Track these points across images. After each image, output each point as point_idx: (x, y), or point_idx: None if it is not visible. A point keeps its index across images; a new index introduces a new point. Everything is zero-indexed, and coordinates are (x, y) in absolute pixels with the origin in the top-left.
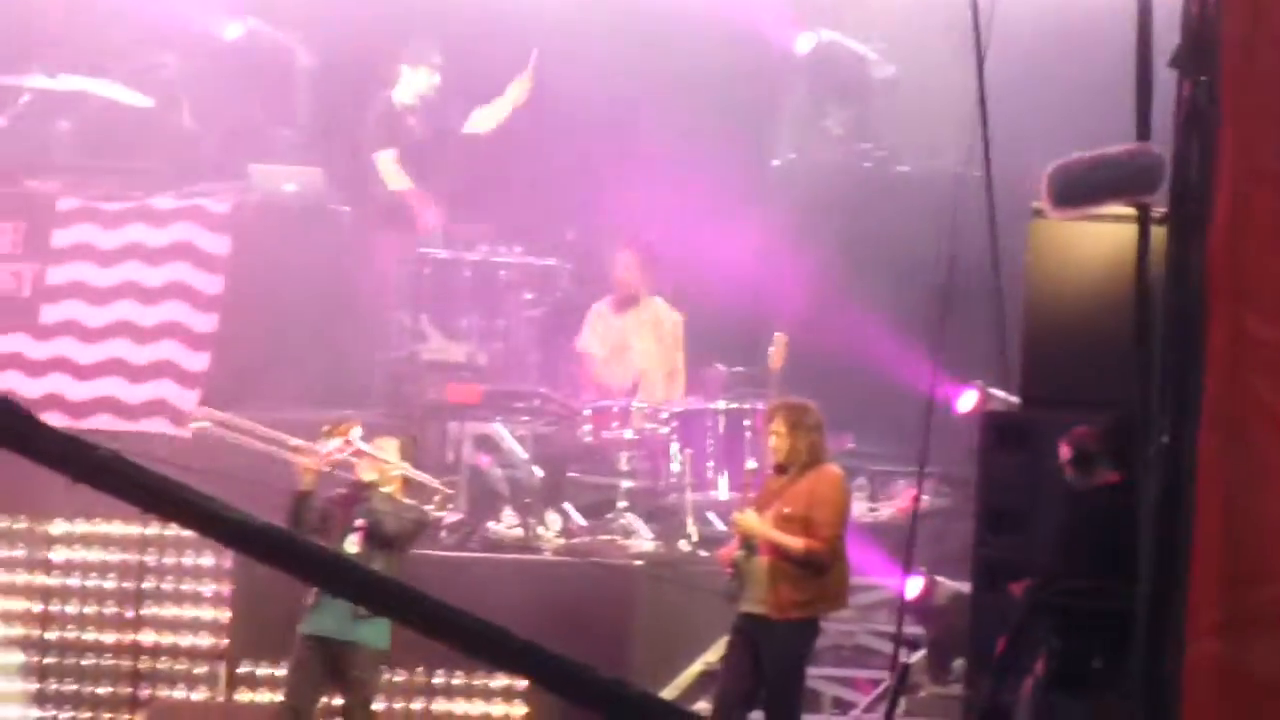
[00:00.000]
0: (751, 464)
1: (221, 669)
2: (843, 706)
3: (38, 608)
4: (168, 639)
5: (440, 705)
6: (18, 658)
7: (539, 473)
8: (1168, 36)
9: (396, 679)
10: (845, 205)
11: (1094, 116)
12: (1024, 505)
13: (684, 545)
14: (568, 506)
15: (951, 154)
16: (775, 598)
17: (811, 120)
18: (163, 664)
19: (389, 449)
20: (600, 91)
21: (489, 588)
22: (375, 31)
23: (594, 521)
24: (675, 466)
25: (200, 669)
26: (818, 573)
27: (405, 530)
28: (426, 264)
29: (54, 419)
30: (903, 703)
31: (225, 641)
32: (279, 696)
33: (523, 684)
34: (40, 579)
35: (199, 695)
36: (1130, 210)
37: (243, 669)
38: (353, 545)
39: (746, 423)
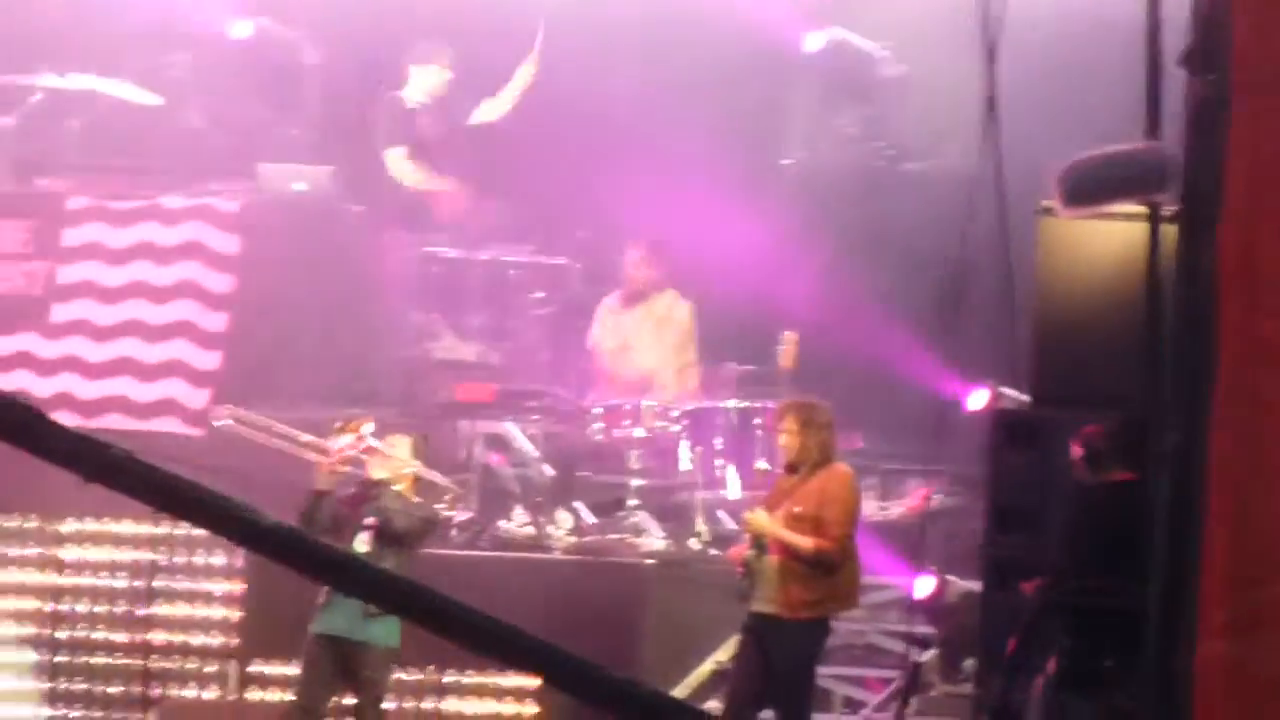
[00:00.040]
0: (762, 464)
1: (232, 668)
2: (854, 706)
3: (49, 606)
4: (179, 638)
5: (451, 704)
6: (29, 656)
7: (550, 471)
8: (1177, 34)
9: (408, 678)
10: (855, 204)
11: (1104, 114)
12: (1034, 504)
13: (694, 544)
14: (578, 505)
15: (961, 152)
16: (786, 597)
17: (822, 119)
18: (174, 663)
19: (400, 447)
20: (609, 90)
21: (500, 586)
22: (384, 29)
23: (604, 520)
24: (685, 465)
25: (211, 668)
26: (828, 572)
27: (416, 528)
28: (437, 263)
29: (64, 418)
30: (914, 702)
31: (236, 640)
32: (290, 696)
33: (534, 683)
34: (51, 578)
35: (210, 694)
36: (1140, 208)
37: (254, 668)
38: (363, 544)
39: (757, 421)
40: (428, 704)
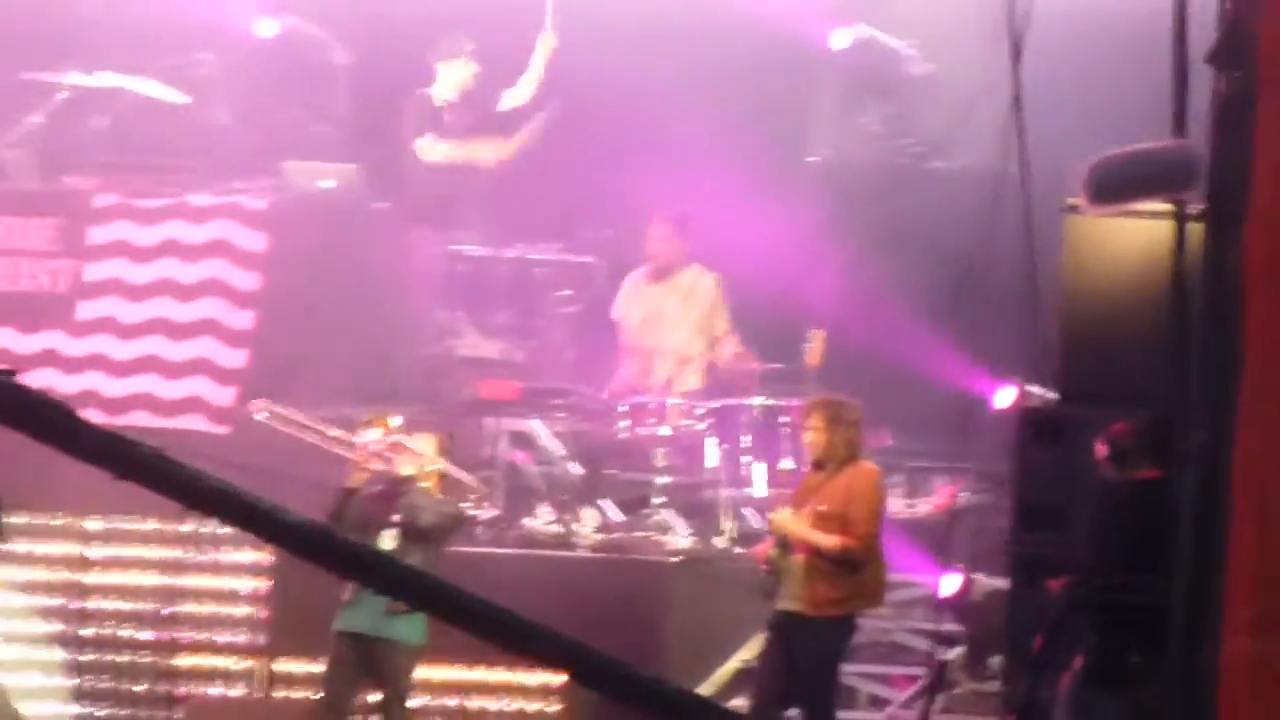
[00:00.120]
0: (787, 463)
1: (259, 666)
2: (879, 703)
3: (75, 604)
4: (205, 636)
5: (476, 702)
6: (56, 654)
7: (575, 469)
8: (1204, 32)
9: (433, 675)
10: (880, 201)
11: (1130, 112)
12: (1061, 501)
13: (720, 542)
14: (604, 503)
15: (987, 150)
16: (811, 595)
17: (848, 116)
18: (200, 661)
19: (426, 445)
20: (634, 88)
21: (525, 584)
22: (411, 26)
23: (630, 518)
24: (711, 463)
25: (238, 666)
26: (854, 570)
27: (442, 525)
28: (462, 261)
29: (90, 416)
30: (940, 699)
31: (263, 638)
32: (317, 694)
33: (559, 680)
34: (78, 576)
35: (236, 692)
36: (1167, 206)
37: (280, 666)
38: (389, 540)
39: (782, 419)
40: (453, 701)
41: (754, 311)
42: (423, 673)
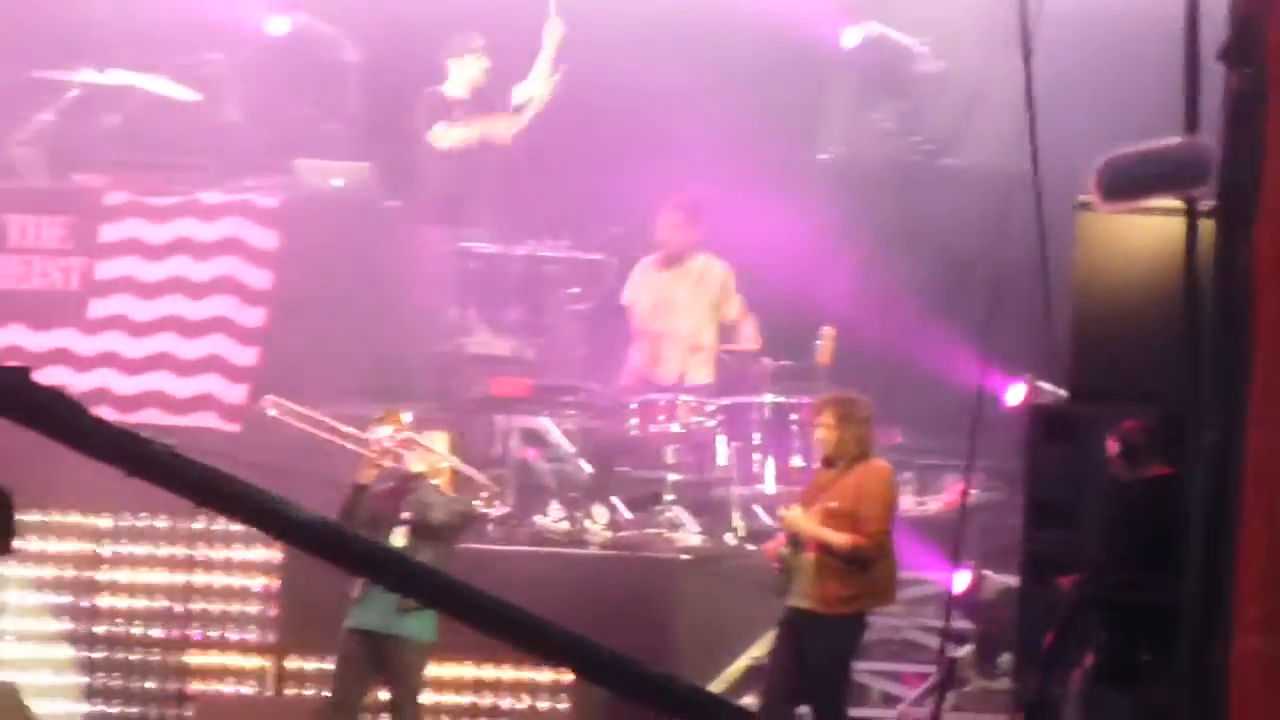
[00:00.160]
0: (798, 460)
1: (270, 664)
2: (891, 701)
3: (86, 602)
4: (216, 634)
5: (487, 699)
6: (67, 652)
7: (586, 466)
8: (1215, 29)
9: (443, 672)
10: (892, 199)
11: (1142, 109)
12: (1071, 499)
13: (730, 539)
14: (614, 500)
15: (999, 148)
16: (822, 592)
17: (859, 114)
18: (211, 659)
19: (438, 443)
20: (645, 86)
21: (536, 581)
22: (422, 23)
23: (640, 515)
24: (722, 460)
25: (248, 664)
26: (864, 568)
27: (452, 522)
28: (473, 258)
29: (101, 413)
30: (950, 697)
31: (273, 636)
32: (327, 692)
33: (569, 678)
34: (89, 573)
35: (247, 690)
36: (1178, 203)
37: (291, 664)
38: (400, 537)
39: (793, 417)
40: (464, 699)
41: (765, 309)
42: (433, 670)
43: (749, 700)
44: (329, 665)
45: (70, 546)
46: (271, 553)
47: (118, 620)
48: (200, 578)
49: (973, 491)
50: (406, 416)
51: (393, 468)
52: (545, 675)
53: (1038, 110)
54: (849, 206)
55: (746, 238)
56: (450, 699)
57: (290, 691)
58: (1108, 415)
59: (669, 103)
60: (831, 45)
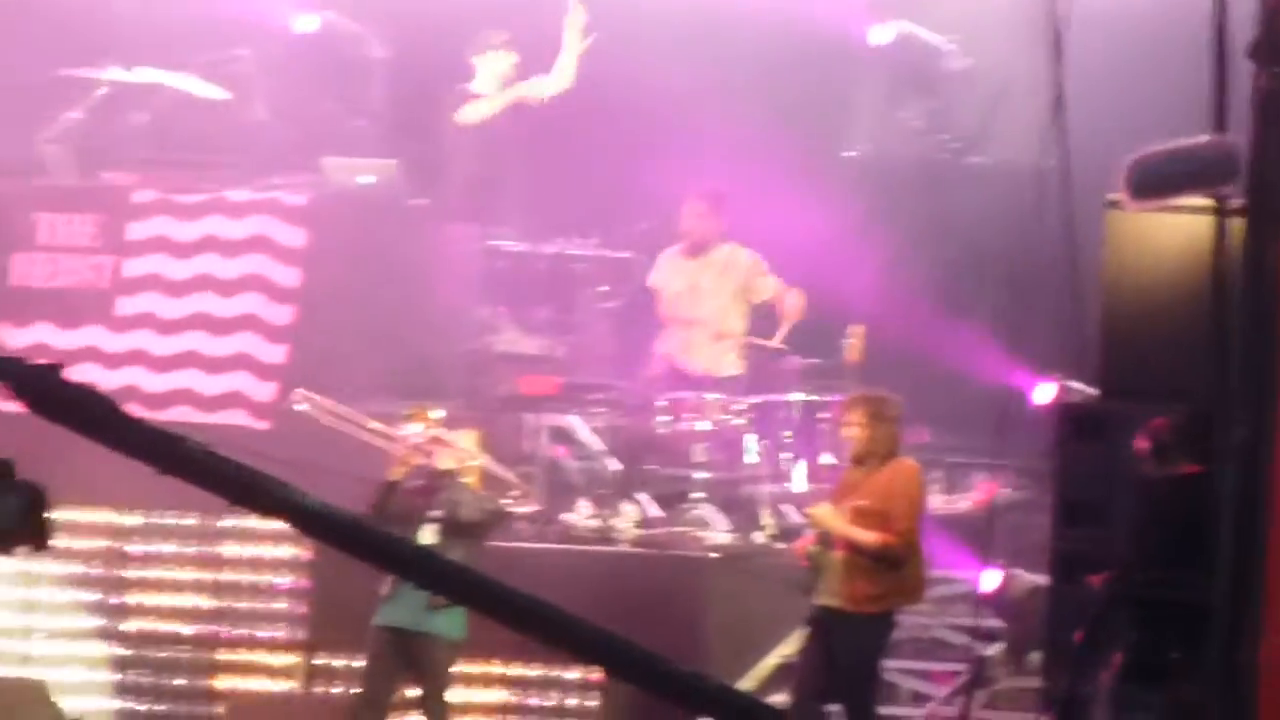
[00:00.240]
0: (827, 458)
1: (299, 661)
2: (920, 699)
3: (116, 599)
4: (245, 631)
5: (516, 697)
6: (97, 649)
7: (614, 464)
8: (1245, 27)
9: (472, 670)
10: (920, 197)
11: (1171, 108)
12: (1101, 497)
13: (759, 537)
14: (643, 498)
15: (1027, 146)
16: (851, 591)
17: (887, 112)
18: (240, 656)
19: (467, 440)
20: (673, 83)
21: (564, 579)
22: (448, 20)
23: (669, 513)
24: (751, 458)
25: (278, 661)
26: (893, 567)
27: (482, 520)
28: (501, 256)
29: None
30: (980, 695)
31: (303, 634)
32: (356, 689)
33: (598, 676)
34: (118, 571)
35: (276, 687)
36: (1207, 202)
37: (320, 661)
38: (430, 535)
39: (822, 415)
40: (493, 696)
41: None
42: (462, 667)
43: (779, 698)
44: (359, 662)
45: (100, 544)
46: (301, 550)
47: (148, 617)
48: (229, 575)
49: (1002, 490)
50: (436, 414)
51: (422, 465)
52: (574, 673)
53: (1067, 108)
54: (877, 204)
55: (774, 235)
56: (479, 696)
57: (319, 688)
58: (1137, 413)
59: (696, 101)
60: (859, 43)
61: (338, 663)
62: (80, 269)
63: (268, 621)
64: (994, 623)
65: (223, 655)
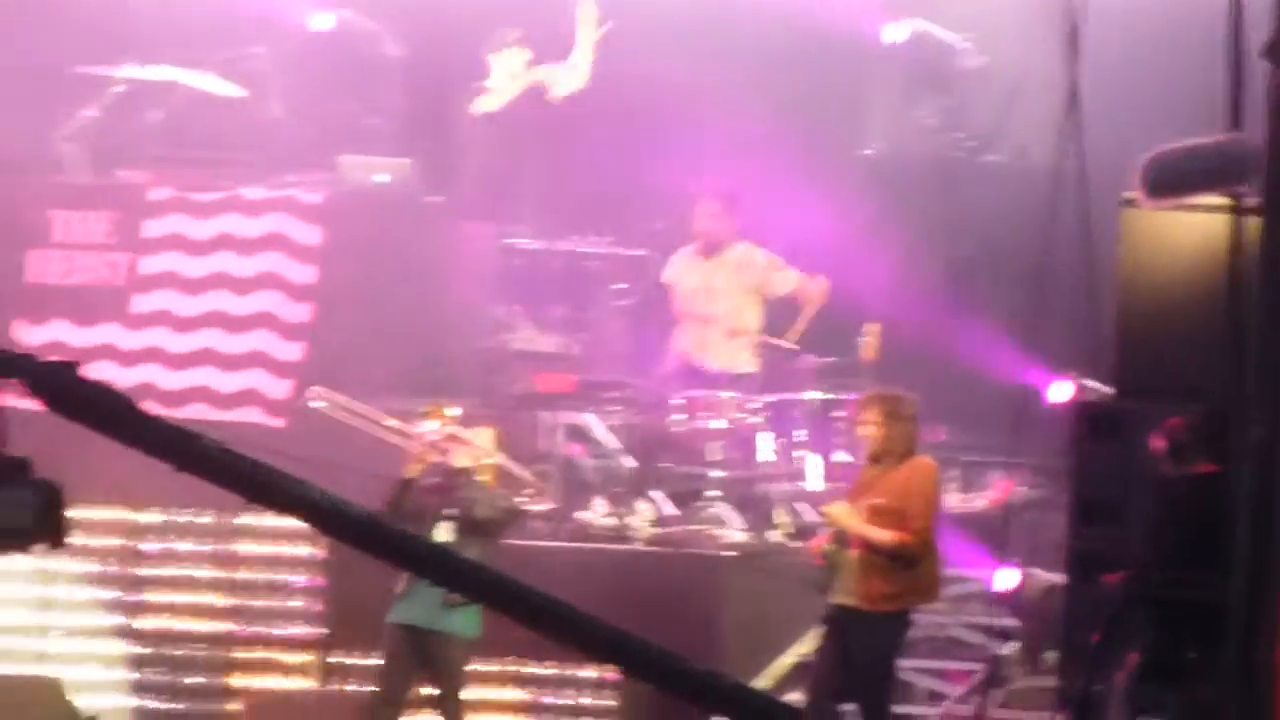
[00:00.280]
0: (842, 456)
1: (316, 659)
2: (936, 698)
3: (131, 597)
4: (261, 629)
5: (531, 695)
6: (114, 647)
7: (630, 462)
8: (1260, 26)
9: (488, 668)
10: (935, 195)
11: (1186, 107)
12: (1117, 496)
13: (774, 536)
14: (658, 496)
15: (1042, 144)
16: (866, 589)
17: (902, 110)
18: (256, 654)
19: (483, 438)
20: (687, 81)
21: (579, 577)
22: (463, 18)
23: (684, 511)
24: (766, 456)
25: (294, 659)
26: (909, 565)
27: (497, 518)
28: (516, 254)
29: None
30: (995, 694)
31: (319, 631)
32: (372, 686)
33: (613, 675)
34: (133, 569)
35: (293, 685)
36: (1223, 200)
37: (336, 659)
38: (445, 533)
39: (837, 413)
40: (508, 694)
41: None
42: (477, 665)
43: (795, 697)
44: (374, 660)
45: (116, 542)
46: (317, 548)
47: (163, 615)
48: (246, 573)
49: (1018, 488)
50: (452, 411)
51: (438, 463)
52: (589, 671)
53: (1082, 106)
54: (892, 202)
55: (790, 234)
56: (495, 694)
57: (335, 686)
58: (1153, 412)
59: (711, 99)
60: (874, 41)
61: (353, 661)
62: (96, 266)
63: (284, 619)
64: (1010, 622)
65: (239, 653)
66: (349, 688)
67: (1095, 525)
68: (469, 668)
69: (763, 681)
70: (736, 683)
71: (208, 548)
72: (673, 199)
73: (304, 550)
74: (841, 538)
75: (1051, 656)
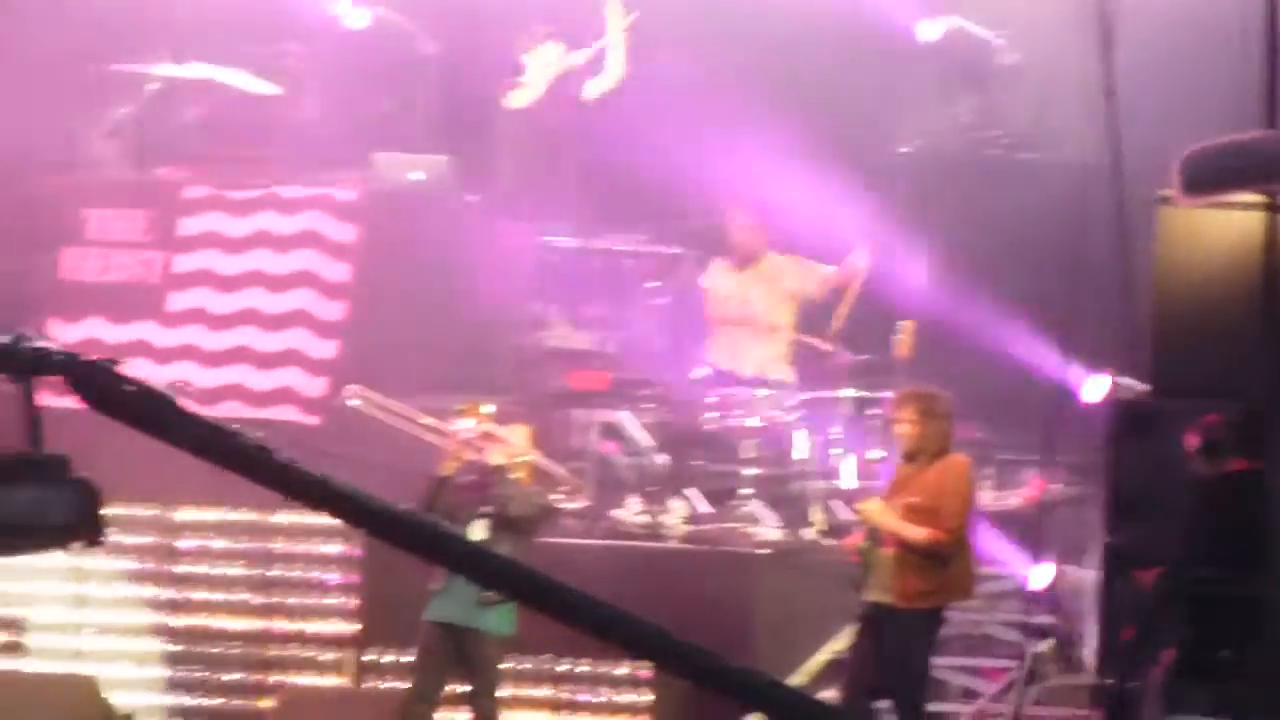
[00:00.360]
0: (877, 453)
1: (350, 656)
2: (971, 696)
3: (167, 595)
4: (296, 626)
5: (566, 692)
6: (149, 645)
7: (664, 460)
8: None
9: (523, 666)
10: (971, 192)
11: (1222, 104)
12: (1152, 494)
13: (809, 533)
14: (692, 494)
15: (1078, 141)
16: (902, 587)
17: (937, 108)
18: (291, 651)
19: (518, 436)
20: (723, 78)
21: (613, 575)
22: (499, 16)
23: (718, 509)
24: (800, 454)
25: (329, 656)
26: (943, 563)
27: (532, 515)
28: (552, 252)
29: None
30: (1031, 691)
31: (354, 629)
32: (407, 683)
33: (647, 672)
34: (169, 567)
35: (328, 682)
36: (1259, 198)
37: (371, 656)
38: (480, 530)
39: (872, 410)
40: (543, 691)
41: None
42: (512, 662)
43: (829, 694)
44: (409, 657)
45: (151, 539)
46: (351, 546)
47: (199, 613)
48: (281, 571)
49: (1053, 486)
50: (487, 409)
51: (474, 460)
52: (623, 669)
53: (1118, 103)
54: (928, 200)
55: (825, 231)
56: (529, 691)
57: (370, 684)
58: (1188, 410)
59: (746, 97)
60: (909, 38)
61: (388, 658)
62: (131, 264)
63: (319, 617)
64: (1045, 619)
65: (273, 651)
66: (383, 685)
67: (1130, 522)
68: (503, 665)
69: (797, 679)
70: (772, 680)
71: (243, 545)
72: (708, 197)
73: (339, 548)
74: (876, 535)
75: (1087, 654)
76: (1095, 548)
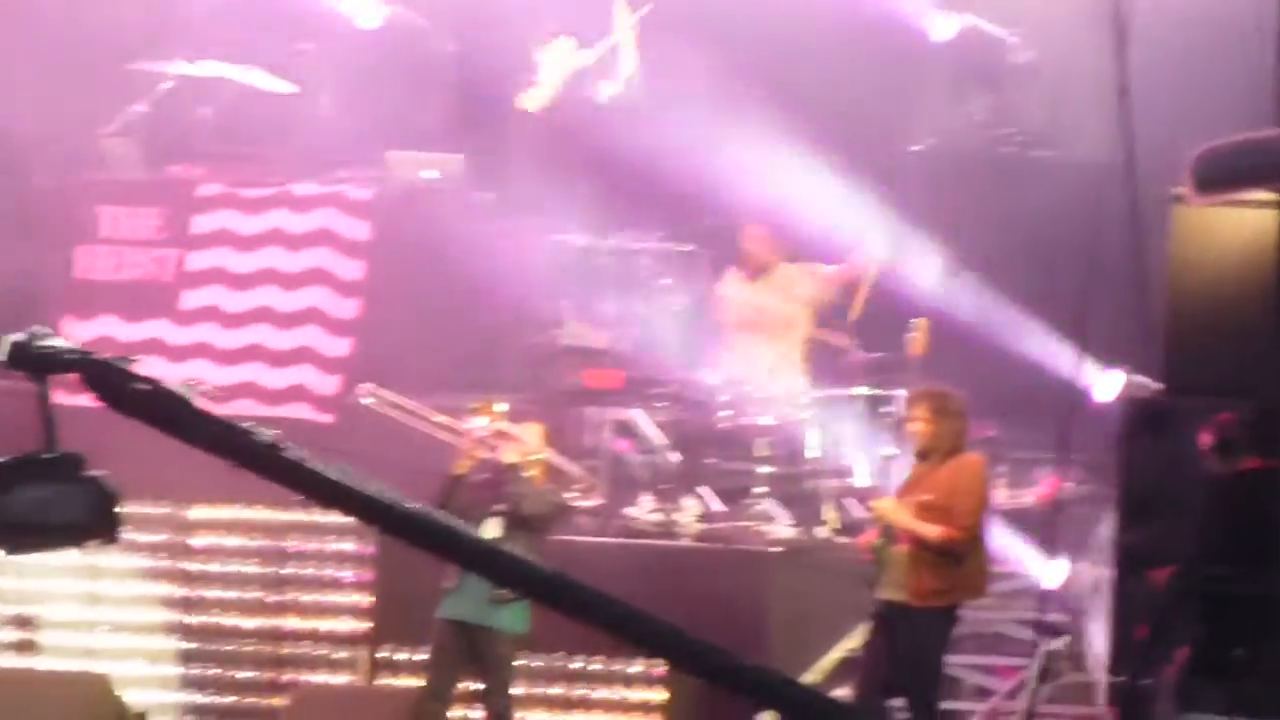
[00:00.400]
0: (890, 451)
1: (363, 654)
2: (984, 694)
3: (180, 592)
4: (310, 624)
5: (579, 690)
6: (162, 642)
7: (677, 458)
8: None
9: (536, 664)
10: (985, 191)
11: (1236, 103)
12: (1166, 492)
13: (822, 532)
14: (705, 492)
15: (1091, 139)
16: (916, 585)
17: (951, 106)
18: (304, 649)
19: (531, 434)
20: (737, 76)
21: (627, 573)
22: (513, 14)
23: (731, 507)
24: (813, 452)
25: (342, 654)
26: (956, 561)
27: (545, 513)
28: (566, 251)
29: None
30: (1044, 689)
31: (367, 626)
32: (420, 681)
33: (661, 669)
34: (182, 564)
35: (341, 680)
36: (1272, 196)
37: (384, 654)
38: (494, 528)
39: (885, 408)
40: (556, 689)
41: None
42: (525, 660)
43: (842, 692)
44: (422, 655)
45: (163, 537)
46: (365, 544)
47: (212, 611)
48: (294, 569)
49: (1066, 484)
50: (501, 407)
51: (487, 459)
52: (637, 666)
53: (1131, 102)
54: (942, 198)
55: (838, 230)
56: (542, 690)
57: (383, 681)
58: (1202, 408)
59: (761, 95)
60: (923, 36)
61: (401, 656)
62: (144, 262)
63: (332, 614)
64: (1058, 617)
65: (287, 648)
66: (397, 683)
67: (1143, 521)
68: (516, 663)
69: (810, 677)
70: (785, 677)
71: (256, 543)
72: (721, 196)
73: (352, 545)
74: (890, 533)
75: (1099, 652)
76: (1109, 546)
